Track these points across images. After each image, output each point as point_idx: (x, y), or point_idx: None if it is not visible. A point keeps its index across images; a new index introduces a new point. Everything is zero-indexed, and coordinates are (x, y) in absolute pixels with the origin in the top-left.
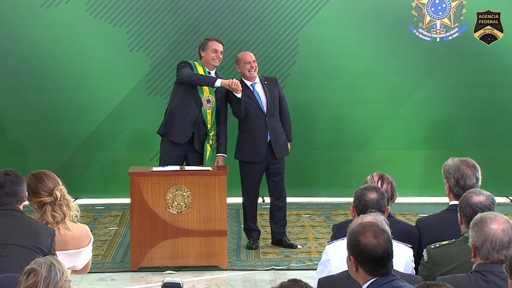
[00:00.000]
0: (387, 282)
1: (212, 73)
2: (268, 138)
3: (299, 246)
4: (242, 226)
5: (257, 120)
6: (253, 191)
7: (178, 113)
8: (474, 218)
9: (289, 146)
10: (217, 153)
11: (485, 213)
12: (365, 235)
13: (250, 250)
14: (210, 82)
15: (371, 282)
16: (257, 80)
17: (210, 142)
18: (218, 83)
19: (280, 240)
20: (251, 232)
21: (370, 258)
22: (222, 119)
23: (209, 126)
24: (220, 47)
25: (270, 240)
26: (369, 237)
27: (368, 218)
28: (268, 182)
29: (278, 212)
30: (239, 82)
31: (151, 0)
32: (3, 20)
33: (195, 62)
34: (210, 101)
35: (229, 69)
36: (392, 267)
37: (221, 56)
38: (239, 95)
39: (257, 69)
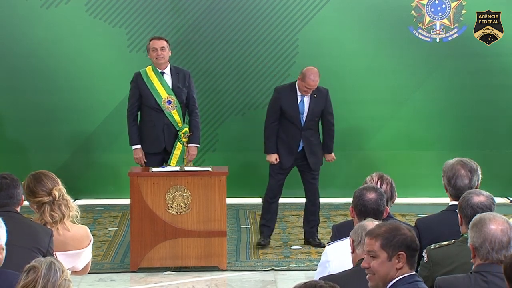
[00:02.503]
0: (413, 281)
1: (167, 71)
2: (300, 148)
3: (298, 247)
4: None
5: (293, 130)
6: (275, 190)
7: (147, 124)
8: (473, 218)
9: (333, 156)
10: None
11: (484, 213)
12: (404, 229)
13: (250, 251)
14: (130, 140)
15: (399, 280)
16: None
17: (182, 140)
18: (134, 147)
19: (308, 240)
20: (264, 228)
21: (417, 249)
22: (190, 110)
23: (179, 125)
24: (158, 44)
25: (271, 241)
26: (408, 230)
27: (373, 220)
28: (303, 184)
29: (311, 213)
30: (140, 162)
31: (151, 1)
32: (3, 20)
33: (147, 68)
34: (171, 102)
35: (230, 66)
36: None
37: (161, 53)
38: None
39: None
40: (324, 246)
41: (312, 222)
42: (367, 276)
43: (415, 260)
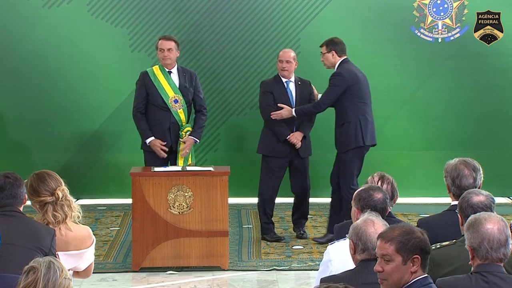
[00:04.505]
0: (427, 284)
1: (174, 71)
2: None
3: (300, 247)
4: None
5: (286, 119)
6: (272, 185)
7: (152, 123)
8: (468, 220)
9: (297, 136)
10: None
11: (478, 213)
12: (417, 231)
13: (252, 250)
14: (143, 136)
15: (412, 282)
16: (293, 79)
17: (183, 137)
18: (148, 140)
19: (294, 230)
20: (271, 225)
21: (430, 250)
22: (196, 109)
23: (184, 124)
24: (165, 45)
25: (271, 241)
26: (421, 233)
27: (374, 218)
28: (290, 177)
29: (298, 206)
30: (161, 151)
31: (153, 1)
32: (5, 20)
33: (154, 68)
34: (177, 101)
35: (231, 66)
36: None
37: (168, 54)
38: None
39: (290, 69)
40: (307, 238)
41: (299, 213)
42: (379, 280)
43: (428, 262)
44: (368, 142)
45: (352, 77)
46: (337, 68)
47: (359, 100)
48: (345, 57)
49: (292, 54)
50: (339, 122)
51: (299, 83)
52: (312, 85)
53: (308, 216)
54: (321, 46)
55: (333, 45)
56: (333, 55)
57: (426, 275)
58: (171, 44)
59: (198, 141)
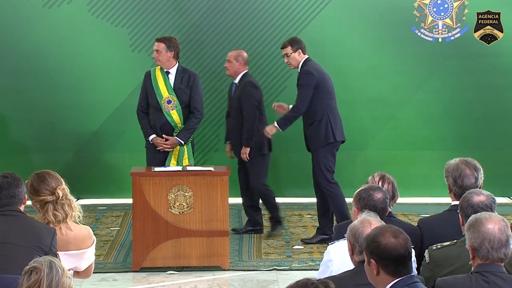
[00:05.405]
0: (411, 283)
1: (172, 71)
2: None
3: (300, 247)
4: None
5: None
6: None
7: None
8: (469, 220)
9: (243, 151)
10: None
11: (479, 213)
12: (384, 236)
13: (252, 250)
14: (145, 134)
15: (396, 282)
16: (237, 80)
17: None
18: (150, 138)
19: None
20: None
21: (392, 257)
22: (190, 111)
23: (178, 125)
24: (154, 46)
25: (273, 241)
26: (388, 237)
27: (371, 219)
28: None
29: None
30: (161, 144)
31: (153, 1)
32: (5, 20)
33: (157, 67)
34: (171, 102)
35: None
36: (412, 267)
37: (157, 55)
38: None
39: (229, 69)
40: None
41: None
42: None
43: (397, 268)
44: (338, 138)
45: (319, 74)
46: (302, 67)
47: (326, 97)
48: (307, 55)
49: (235, 54)
50: (308, 121)
51: (238, 83)
52: (247, 86)
53: (308, 216)
54: (283, 48)
55: (298, 43)
56: (299, 54)
57: (412, 274)
58: (159, 46)
59: (182, 142)
